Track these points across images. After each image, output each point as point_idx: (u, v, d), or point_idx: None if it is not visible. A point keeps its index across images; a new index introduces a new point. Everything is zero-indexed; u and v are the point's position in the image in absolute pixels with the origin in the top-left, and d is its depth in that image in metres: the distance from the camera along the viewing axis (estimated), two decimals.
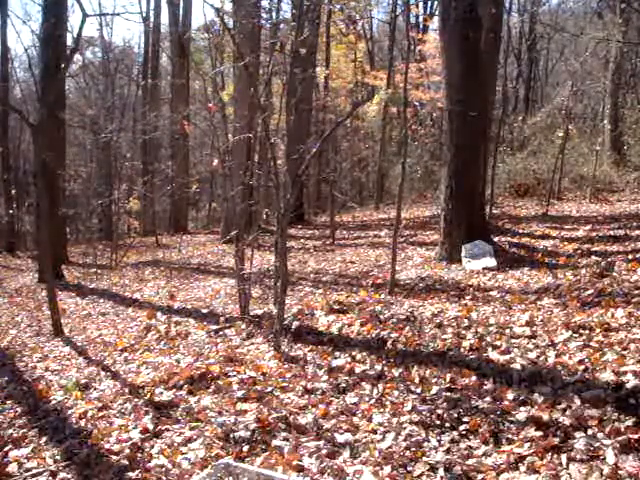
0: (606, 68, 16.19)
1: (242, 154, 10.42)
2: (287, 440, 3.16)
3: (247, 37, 10.38)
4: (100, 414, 4.00)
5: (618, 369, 3.36)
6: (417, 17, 20.73)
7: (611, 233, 8.06)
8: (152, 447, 3.37)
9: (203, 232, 17.62)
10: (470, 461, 2.77)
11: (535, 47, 21.17)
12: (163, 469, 3.10)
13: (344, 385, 3.81)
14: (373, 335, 4.64)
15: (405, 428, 3.13)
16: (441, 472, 2.72)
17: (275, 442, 3.15)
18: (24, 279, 11.70)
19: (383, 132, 17.59)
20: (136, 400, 4.12)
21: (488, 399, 3.29)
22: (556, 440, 2.81)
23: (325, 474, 2.82)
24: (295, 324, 5.11)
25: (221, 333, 5.56)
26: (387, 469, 2.79)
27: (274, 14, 17.22)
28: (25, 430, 3.96)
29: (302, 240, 11.79)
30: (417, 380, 3.69)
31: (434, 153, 16.22)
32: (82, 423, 3.92)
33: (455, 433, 3.03)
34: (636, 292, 4.83)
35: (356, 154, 20.17)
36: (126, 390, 4.40)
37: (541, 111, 16.89)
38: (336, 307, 5.51)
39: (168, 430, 3.56)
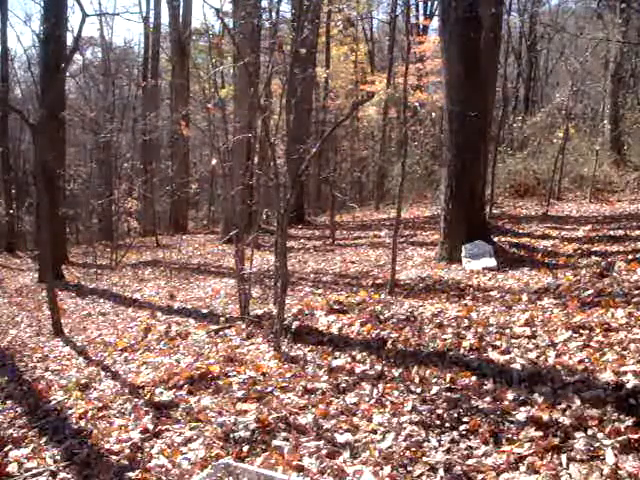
0: (606, 68, 16.19)
1: (242, 154, 10.43)
2: (287, 440, 3.16)
3: (247, 37, 10.39)
4: (100, 414, 4.01)
5: (618, 369, 3.35)
6: (417, 17, 20.73)
7: (611, 233, 8.05)
8: (152, 447, 3.37)
9: (203, 232, 17.61)
10: (470, 461, 2.77)
11: (535, 47, 21.15)
12: (163, 469, 3.10)
13: (344, 385, 3.81)
14: (373, 335, 4.64)
15: (405, 428, 3.13)
16: (441, 472, 2.72)
17: (275, 442, 3.15)
18: (24, 279, 11.71)
19: (383, 132, 17.61)
20: (136, 400, 4.12)
21: (488, 399, 3.29)
22: (556, 440, 2.81)
23: (325, 474, 2.82)
24: (295, 324, 5.10)
25: (221, 333, 5.55)
26: (387, 469, 2.79)
27: (274, 14, 17.21)
28: (25, 430, 3.97)
29: (302, 240, 11.80)
30: (417, 380, 3.69)
31: (434, 153, 16.22)
32: (82, 423, 3.92)
33: (455, 433, 3.03)
34: (636, 292, 4.82)
35: (356, 154, 20.18)
36: (126, 390, 4.40)
37: (541, 111, 16.88)
38: (336, 307, 5.50)
39: (168, 430, 3.56)
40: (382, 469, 2.79)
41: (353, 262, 8.58)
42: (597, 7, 16.57)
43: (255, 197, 9.16)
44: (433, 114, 15.72)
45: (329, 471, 2.83)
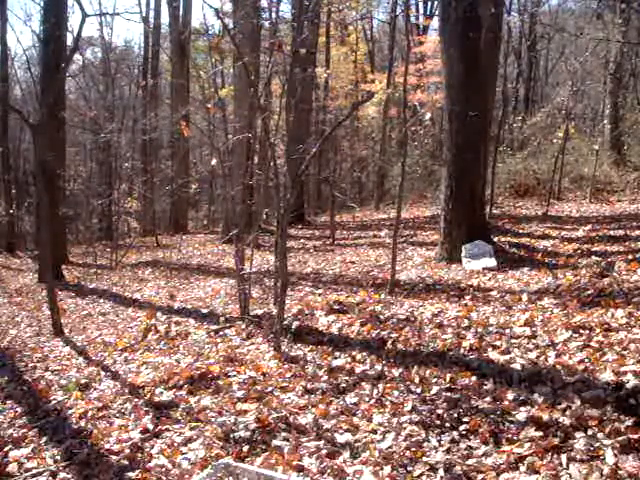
0: (606, 68, 16.19)
1: (242, 154, 10.42)
2: (287, 440, 3.16)
3: (247, 37, 10.39)
4: (100, 414, 4.01)
5: (618, 369, 3.36)
6: (417, 17, 20.74)
7: (611, 233, 8.06)
8: (152, 447, 3.37)
9: (203, 232, 17.62)
10: (470, 461, 2.77)
11: (535, 47, 21.14)
12: (163, 469, 3.10)
13: (344, 385, 3.81)
14: (373, 335, 4.64)
15: (405, 428, 3.13)
16: (441, 472, 2.72)
17: (275, 442, 3.15)
18: (24, 279, 11.71)
19: (383, 132, 17.60)
20: (136, 400, 4.12)
21: (488, 399, 3.29)
22: (556, 440, 2.81)
23: (325, 474, 2.82)
24: (295, 324, 5.10)
25: (221, 333, 5.56)
26: (387, 469, 2.79)
27: (273, 14, 17.19)
28: (25, 430, 3.97)
29: (302, 240, 11.79)
30: (417, 380, 3.69)
31: (434, 153, 16.22)
32: (82, 423, 3.92)
33: (455, 433, 3.03)
34: (636, 292, 4.82)
35: (356, 154, 20.18)
36: (126, 390, 4.40)
37: (541, 111, 16.89)
38: (336, 307, 5.50)
39: (168, 430, 3.56)
40: (382, 469, 2.79)
41: (353, 262, 8.58)
42: (597, 7, 16.56)
43: (255, 197, 9.16)
44: (427, 115, 15.70)
45: (329, 471, 2.83)
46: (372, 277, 7.23)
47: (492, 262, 6.82)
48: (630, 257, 6.31)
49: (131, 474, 3.11)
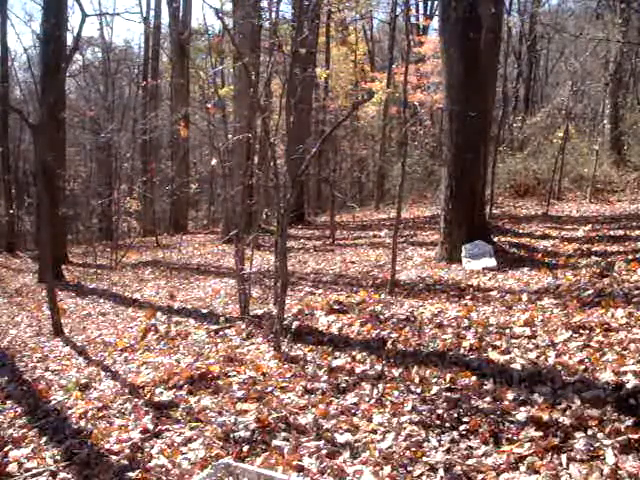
0: (606, 68, 16.19)
1: (242, 154, 10.42)
2: (287, 440, 3.16)
3: (247, 37, 10.39)
4: (100, 414, 4.01)
5: (618, 369, 3.36)
6: (417, 17, 20.73)
7: (611, 233, 8.06)
8: (152, 447, 3.37)
9: (203, 232, 17.62)
10: (470, 461, 2.77)
11: (535, 47, 21.13)
12: (163, 469, 3.10)
13: (344, 385, 3.81)
14: (373, 335, 4.64)
15: (405, 428, 3.13)
16: (441, 472, 2.71)
17: (275, 442, 3.15)
18: (24, 279, 11.70)
19: (383, 132, 17.60)
20: (136, 400, 4.12)
21: (488, 399, 3.29)
22: (556, 440, 2.81)
23: (325, 474, 2.82)
24: (295, 324, 5.11)
25: (221, 333, 5.56)
26: (387, 469, 2.79)
27: (273, 14, 17.18)
28: (25, 430, 3.96)
29: (302, 240, 11.79)
30: (417, 380, 3.69)
31: (434, 153, 16.22)
32: (82, 423, 3.92)
33: (455, 433, 3.03)
34: (636, 292, 4.82)
35: (356, 154, 20.19)
36: (126, 390, 4.40)
37: (541, 111, 16.89)
38: (336, 307, 5.51)
39: (168, 430, 3.55)
40: (382, 469, 2.79)
41: (353, 262, 8.58)
42: (597, 7, 16.56)
43: (255, 197, 9.16)
44: (427, 114, 15.70)
45: (329, 471, 2.83)
46: (372, 277, 7.24)
47: (492, 262, 6.82)
48: (630, 257, 6.31)
49: (131, 474, 3.11)
